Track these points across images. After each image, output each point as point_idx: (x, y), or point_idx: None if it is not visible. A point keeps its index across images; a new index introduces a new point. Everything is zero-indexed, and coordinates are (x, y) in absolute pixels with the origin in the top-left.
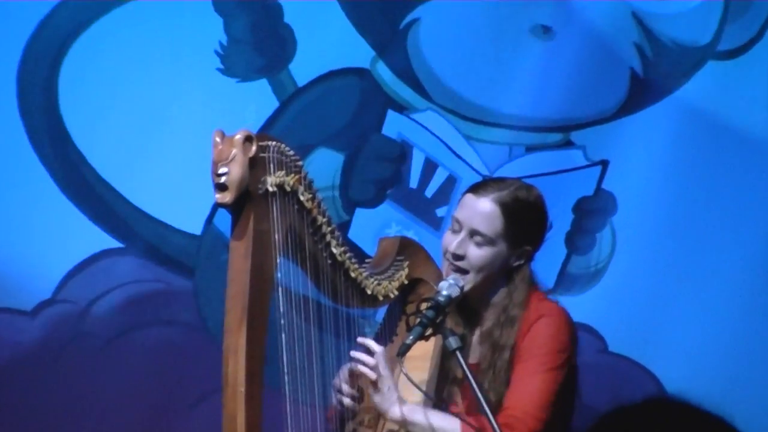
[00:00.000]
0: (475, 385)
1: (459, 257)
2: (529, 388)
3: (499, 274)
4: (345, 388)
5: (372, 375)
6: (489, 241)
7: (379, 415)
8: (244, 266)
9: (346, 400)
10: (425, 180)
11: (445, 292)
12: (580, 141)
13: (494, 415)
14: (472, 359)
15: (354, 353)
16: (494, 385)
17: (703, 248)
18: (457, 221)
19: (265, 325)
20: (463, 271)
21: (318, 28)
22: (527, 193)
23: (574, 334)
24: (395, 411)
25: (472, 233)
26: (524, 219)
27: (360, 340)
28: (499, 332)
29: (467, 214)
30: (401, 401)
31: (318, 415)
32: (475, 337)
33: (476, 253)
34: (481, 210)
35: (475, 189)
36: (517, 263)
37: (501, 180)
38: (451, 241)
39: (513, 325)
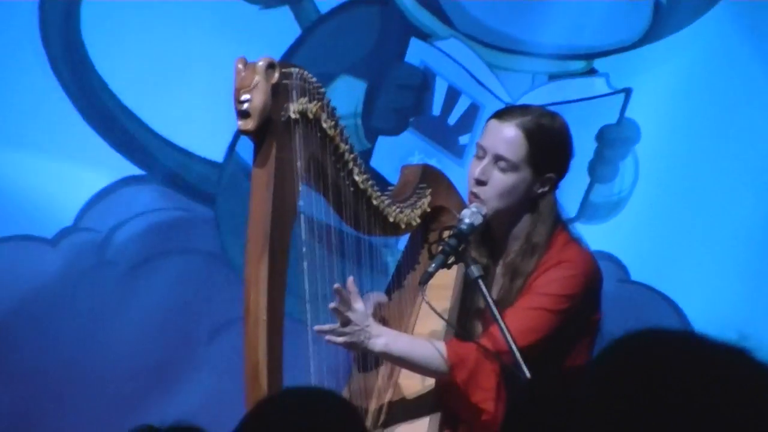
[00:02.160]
0: (497, 314)
1: (482, 182)
2: (521, 320)
3: (522, 203)
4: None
5: (339, 341)
6: (513, 167)
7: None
8: (265, 194)
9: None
10: (448, 108)
11: (467, 220)
12: (603, 69)
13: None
14: (495, 293)
15: (318, 328)
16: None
17: (724, 176)
18: (482, 147)
19: (286, 254)
20: (484, 196)
21: None
22: (551, 120)
23: (589, 283)
24: (375, 344)
25: (496, 158)
26: (548, 145)
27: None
28: (520, 259)
29: (491, 139)
30: (378, 333)
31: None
32: (498, 269)
33: (500, 178)
34: (505, 135)
35: (500, 115)
36: (541, 190)
37: (525, 107)
38: (476, 167)
39: (534, 254)
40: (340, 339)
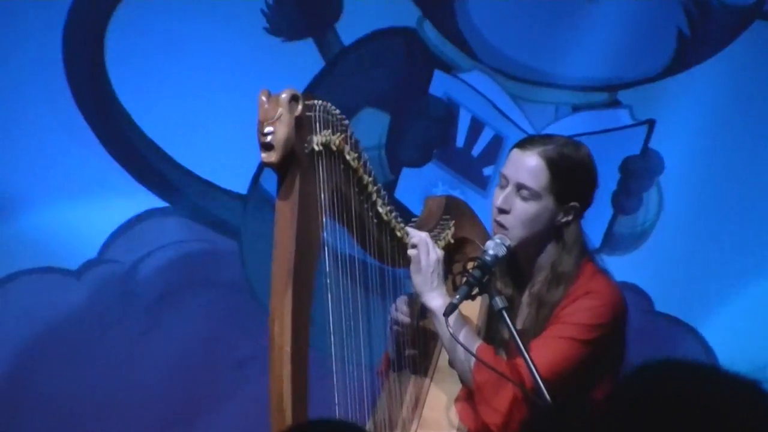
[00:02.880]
0: (521, 345)
1: (504, 211)
2: (548, 349)
3: (546, 232)
4: (401, 316)
5: (419, 252)
6: (535, 195)
7: (430, 360)
8: (289, 227)
9: (402, 318)
10: (471, 139)
11: (491, 252)
12: (626, 100)
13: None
14: (520, 323)
15: (410, 229)
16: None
17: (750, 208)
18: (504, 177)
19: (311, 286)
20: (507, 226)
21: None
22: (575, 150)
23: (617, 314)
24: (432, 299)
25: (519, 187)
26: (570, 174)
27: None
28: (546, 289)
29: (513, 168)
30: (442, 294)
31: (364, 375)
32: (524, 299)
33: (522, 207)
34: (527, 164)
35: (522, 144)
36: (565, 219)
37: (548, 136)
38: (498, 196)
39: (560, 284)
40: (417, 255)
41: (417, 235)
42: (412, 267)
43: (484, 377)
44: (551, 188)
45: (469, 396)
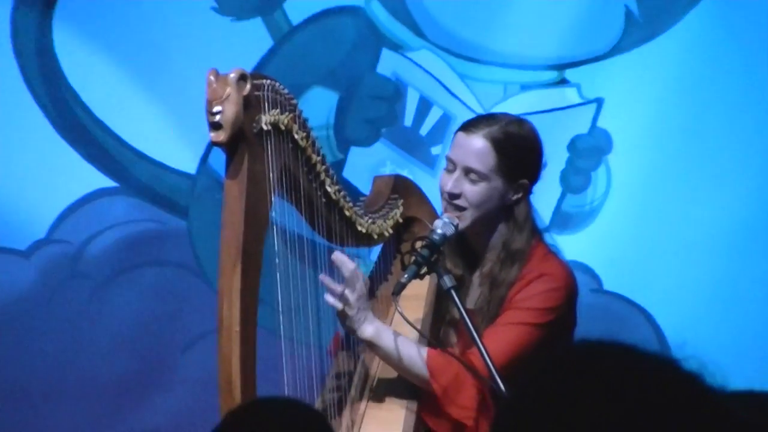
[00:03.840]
0: (470, 325)
1: (455, 196)
2: (503, 335)
3: (498, 212)
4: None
5: (338, 305)
6: (484, 177)
7: None
8: (238, 206)
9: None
10: (420, 118)
11: (440, 231)
12: (575, 79)
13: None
14: (471, 303)
15: (322, 277)
16: (488, 318)
17: (697, 186)
18: (451, 161)
19: (259, 265)
20: (461, 209)
21: None
22: (519, 127)
23: (570, 296)
24: (365, 330)
25: (467, 171)
26: (517, 152)
27: (334, 256)
28: (499, 269)
29: (460, 152)
30: (372, 321)
31: (313, 354)
32: (475, 279)
33: (472, 190)
34: (473, 147)
35: (466, 127)
36: (515, 197)
37: (491, 116)
38: (447, 181)
39: (513, 262)
40: (339, 305)
41: (347, 269)
42: (343, 307)
43: (444, 380)
44: (499, 169)
45: (433, 402)
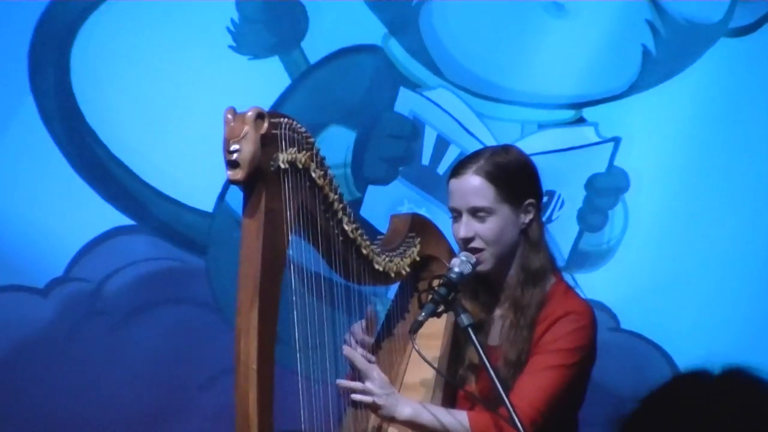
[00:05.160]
0: (487, 363)
1: (469, 240)
2: (539, 381)
3: (517, 240)
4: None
5: (367, 399)
6: (490, 211)
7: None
8: (256, 244)
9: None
10: (437, 157)
11: (456, 269)
12: (592, 118)
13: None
14: (495, 339)
15: (339, 382)
16: (516, 342)
17: (715, 226)
18: (454, 209)
19: (277, 304)
20: (479, 251)
21: (330, 5)
22: (505, 153)
23: (595, 334)
24: (402, 411)
25: (472, 212)
26: (511, 177)
27: (346, 353)
28: (521, 292)
29: (458, 197)
30: (405, 402)
31: (330, 392)
32: (497, 313)
33: (484, 228)
34: (469, 187)
35: (455, 172)
36: (528, 219)
37: (475, 154)
38: (458, 229)
39: (535, 284)
40: (368, 399)
41: (358, 363)
42: (372, 399)
43: None
44: (501, 198)
45: None
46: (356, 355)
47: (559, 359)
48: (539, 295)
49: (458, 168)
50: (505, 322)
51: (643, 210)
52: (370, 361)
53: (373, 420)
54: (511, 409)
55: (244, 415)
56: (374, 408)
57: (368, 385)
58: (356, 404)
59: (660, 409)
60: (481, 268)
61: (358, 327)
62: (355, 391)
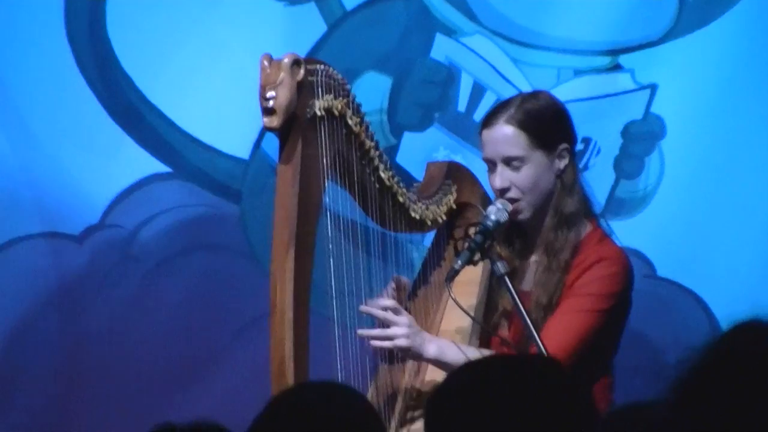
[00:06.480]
0: (523, 311)
1: (506, 190)
2: (568, 323)
3: (552, 186)
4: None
5: (387, 345)
6: (524, 159)
7: None
8: (291, 191)
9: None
10: (473, 104)
11: (493, 217)
12: (628, 64)
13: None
14: (528, 285)
15: (359, 332)
16: (548, 286)
17: (751, 173)
18: (488, 160)
19: (312, 250)
20: (516, 201)
21: None
22: (534, 100)
23: (630, 280)
24: (428, 350)
25: (506, 161)
26: (543, 123)
27: (362, 309)
28: (554, 235)
29: (491, 148)
30: (431, 339)
31: (366, 340)
32: (533, 258)
33: (519, 176)
34: (501, 136)
35: (486, 123)
36: (563, 164)
37: (504, 103)
38: (494, 180)
39: (569, 227)
40: (390, 343)
41: (378, 312)
42: (393, 343)
43: None
44: (534, 144)
45: None
46: (372, 309)
47: (590, 303)
48: (573, 239)
49: (489, 118)
50: (538, 267)
51: (679, 157)
52: (387, 309)
53: (408, 369)
54: (543, 350)
55: (280, 362)
56: (403, 349)
57: (393, 329)
58: (391, 353)
59: (722, 363)
60: (520, 217)
61: (390, 286)
62: (376, 338)
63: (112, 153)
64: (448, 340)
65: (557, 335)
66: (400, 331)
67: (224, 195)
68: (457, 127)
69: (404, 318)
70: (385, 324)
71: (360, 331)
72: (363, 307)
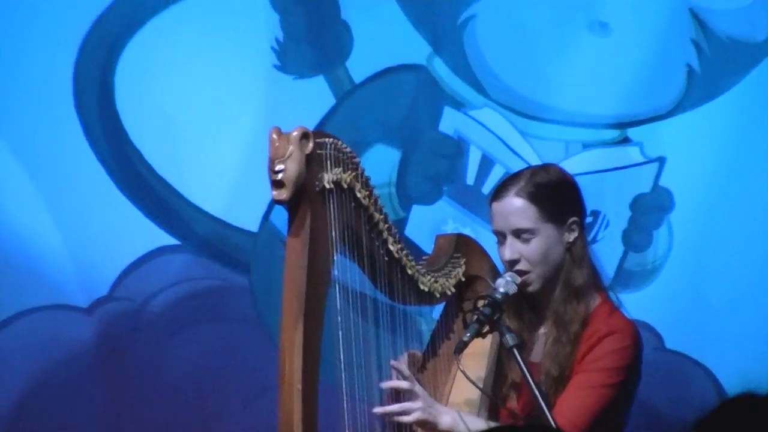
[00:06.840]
0: (532, 383)
1: (515, 262)
2: (581, 399)
3: (561, 259)
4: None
5: (407, 419)
6: (533, 232)
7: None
8: (300, 263)
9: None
10: (482, 176)
11: (502, 289)
12: (637, 137)
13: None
14: (537, 356)
15: (376, 410)
16: (558, 358)
17: (761, 246)
18: (498, 232)
19: (321, 323)
20: (525, 273)
21: (374, 24)
22: (545, 173)
23: (640, 353)
24: (442, 421)
25: (516, 233)
26: (553, 196)
27: (385, 385)
28: (564, 308)
29: (501, 220)
30: (446, 411)
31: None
32: (541, 330)
33: (529, 248)
34: (511, 209)
35: (496, 195)
36: (572, 237)
37: (515, 175)
38: (504, 252)
39: (578, 300)
40: (409, 417)
41: (406, 388)
42: (412, 417)
43: None
44: (545, 217)
45: None
46: (394, 382)
47: (602, 378)
48: (583, 311)
49: (499, 190)
50: (548, 339)
51: (687, 230)
52: (406, 378)
53: None
54: (552, 422)
55: None
56: (420, 423)
57: (410, 404)
58: (400, 426)
59: None
60: (529, 289)
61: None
62: (393, 413)
63: (121, 225)
64: (458, 412)
65: (569, 412)
66: (417, 405)
67: (233, 267)
68: (465, 200)
69: (422, 392)
70: (397, 397)
71: (377, 410)
72: (386, 383)
